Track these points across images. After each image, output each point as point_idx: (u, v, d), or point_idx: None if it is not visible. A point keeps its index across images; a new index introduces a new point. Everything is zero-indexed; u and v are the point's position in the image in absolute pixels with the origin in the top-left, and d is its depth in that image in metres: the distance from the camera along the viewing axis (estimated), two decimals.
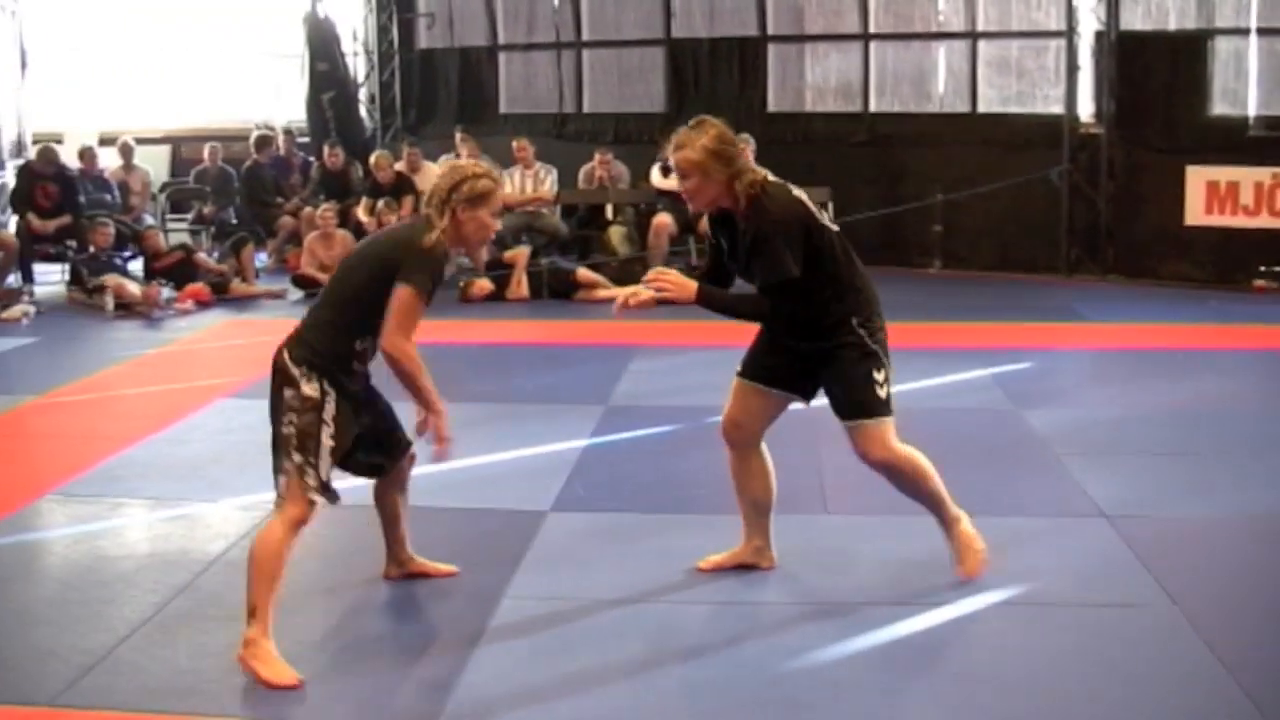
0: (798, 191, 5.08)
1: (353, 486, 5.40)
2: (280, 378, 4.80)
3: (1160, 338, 10.79)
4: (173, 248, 13.73)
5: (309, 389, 4.74)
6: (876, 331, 5.17)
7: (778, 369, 5.30)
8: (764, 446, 5.46)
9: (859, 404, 5.14)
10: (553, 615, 5.13)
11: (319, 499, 4.75)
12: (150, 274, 13.15)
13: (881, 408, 5.16)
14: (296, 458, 4.72)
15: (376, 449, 5.15)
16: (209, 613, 5.17)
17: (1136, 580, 5.39)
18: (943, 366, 9.38)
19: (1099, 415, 8.24)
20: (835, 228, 5.14)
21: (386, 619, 5.27)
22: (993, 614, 5.09)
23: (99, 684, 4.53)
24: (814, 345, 5.17)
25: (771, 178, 5.09)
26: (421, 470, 6.85)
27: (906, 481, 5.32)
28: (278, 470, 4.78)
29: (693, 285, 5.05)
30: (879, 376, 5.15)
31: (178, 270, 13.18)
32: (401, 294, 4.71)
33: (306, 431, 4.73)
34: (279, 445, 4.78)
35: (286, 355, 4.81)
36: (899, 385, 8.56)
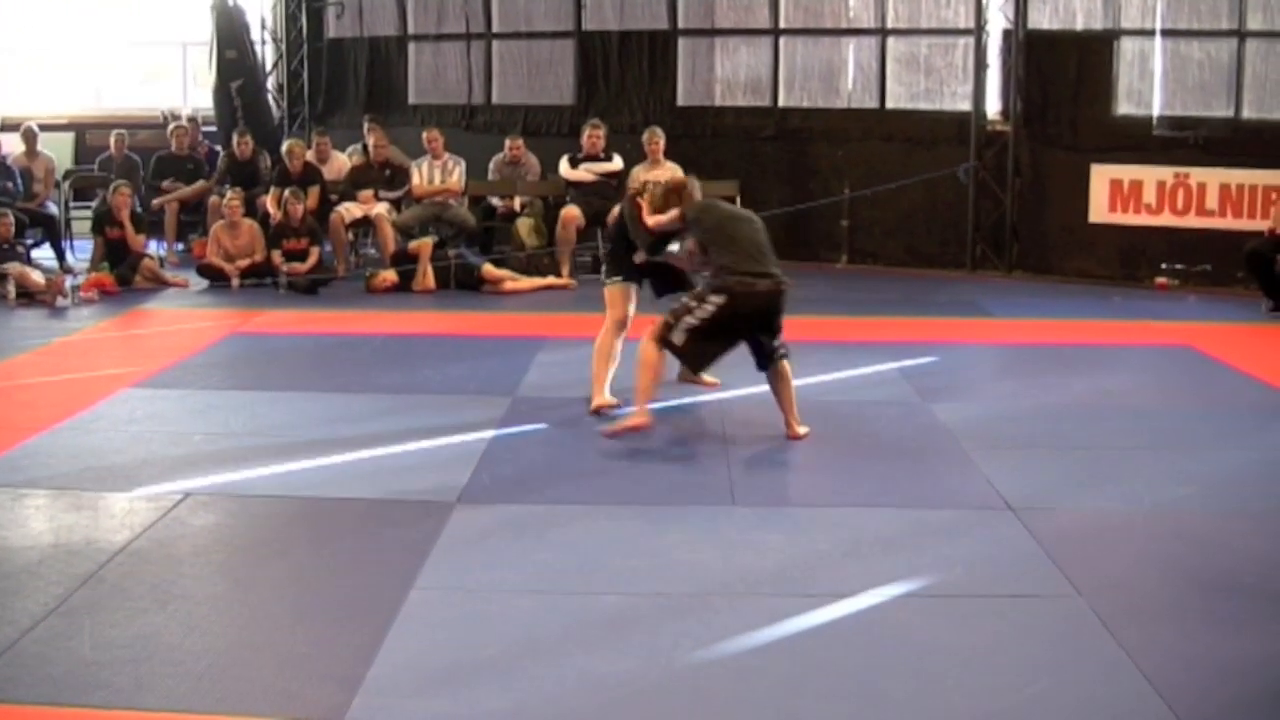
0: None
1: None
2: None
3: (1064, 333, 10.87)
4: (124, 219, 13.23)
5: None
6: None
7: None
8: None
9: None
10: (460, 606, 5.11)
11: None
12: (102, 235, 13.15)
13: None
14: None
15: None
16: (114, 604, 5.09)
17: (1042, 571, 5.45)
18: (850, 360, 9.43)
19: (1004, 409, 8.30)
20: None
21: (293, 608, 5.20)
22: (900, 605, 5.11)
23: (1, 677, 4.43)
24: None
25: None
26: (328, 461, 6.87)
27: None
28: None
29: None
30: None
31: (120, 245, 13.05)
32: None
33: None
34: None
35: None
36: (808, 379, 8.67)
